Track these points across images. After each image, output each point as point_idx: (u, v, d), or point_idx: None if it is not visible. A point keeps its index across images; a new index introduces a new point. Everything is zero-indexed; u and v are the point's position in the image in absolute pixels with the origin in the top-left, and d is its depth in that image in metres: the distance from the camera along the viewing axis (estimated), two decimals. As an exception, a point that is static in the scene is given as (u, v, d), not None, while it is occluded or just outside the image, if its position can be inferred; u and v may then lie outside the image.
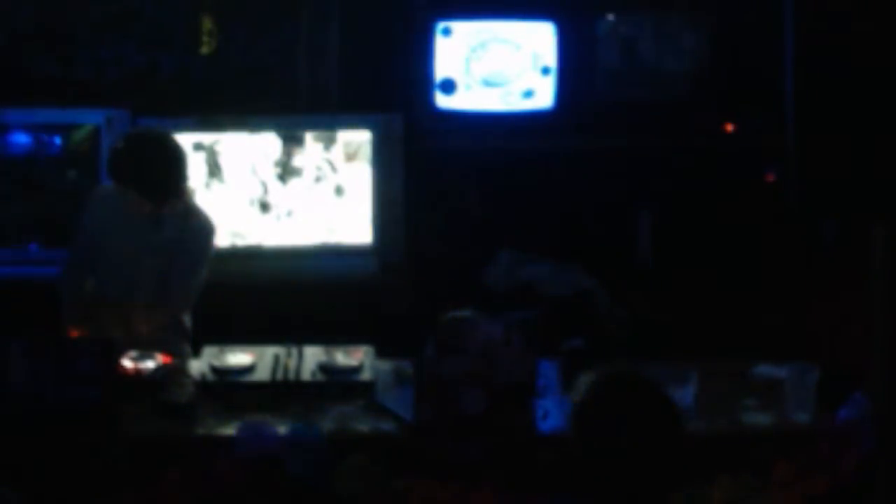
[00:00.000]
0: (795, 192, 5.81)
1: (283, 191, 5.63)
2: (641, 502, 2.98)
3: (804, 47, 5.75)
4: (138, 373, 4.26)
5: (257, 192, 5.62)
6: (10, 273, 5.50)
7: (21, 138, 5.57)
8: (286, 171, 5.62)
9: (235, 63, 5.90)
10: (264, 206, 5.63)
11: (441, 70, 5.77)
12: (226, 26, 5.88)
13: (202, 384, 4.19)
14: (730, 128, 5.89)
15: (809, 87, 5.75)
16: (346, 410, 4.09)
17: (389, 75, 5.80)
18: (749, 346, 4.84)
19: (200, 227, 4.70)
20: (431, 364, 3.86)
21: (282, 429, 3.89)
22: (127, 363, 4.27)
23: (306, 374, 4.25)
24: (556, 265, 5.75)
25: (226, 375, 4.25)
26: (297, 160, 5.62)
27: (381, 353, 4.40)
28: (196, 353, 4.56)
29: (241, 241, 5.61)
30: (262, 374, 4.24)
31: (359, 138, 5.63)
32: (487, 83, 5.80)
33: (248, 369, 4.27)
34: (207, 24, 5.86)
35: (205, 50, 5.88)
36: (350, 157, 5.63)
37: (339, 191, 5.64)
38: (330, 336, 4.47)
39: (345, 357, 4.34)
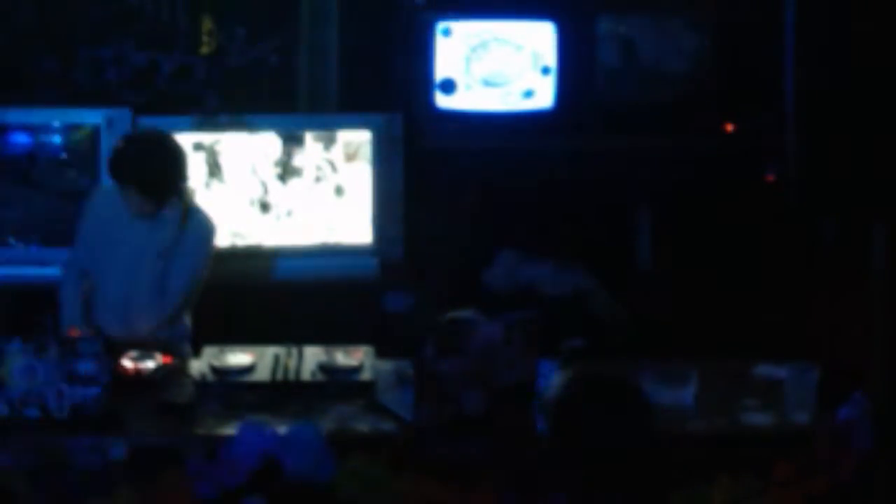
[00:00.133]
0: (795, 192, 5.80)
1: (283, 191, 5.63)
2: (618, 500, 2.98)
3: (804, 47, 5.74)
4: (138, 373, 4.26)
5: (257, 192, 5.62)
6: (10, 273, 5.50)
7: (21, 138, 5.57)
8: (286, 171, 5.62)
9: (235, 63, 5.90)
10: (264, 206, 5.63)
11: (441, 70, 5.77)
12: (226, 26, 5.88)
13: (202, 384, 4.19)
14: (730, 128, 5.88)
15: (809, 87, 5.74)
16: (346, 410, 4.09)
17: (389, 75, 5.81)
18: (749, 346, 4.84)
19: (200, 227, 4.70)
20: (431, 364, 3.86)
21: (282, 429, 3.90)
22: (127, 363, 4.27)
23: (306, 374, 4.25)
24: (556, 265, 5.75)
25: (226, 375, 4.25)
26: (297, 160, 5.62)
27: (381, 353, 4.40)
28: (196, 353, 4.56)
29: (241, 241, 5.61)
30: (262, 374, 4.24)
31: (359, 138, 5.63)
32: (487, 83, 5.79)
33: (248, 369, 4.27)
34: (207, 24, 5.86)
35: (205, 50, 5.88)
36: (350, 157, 5.63)
37: (339, 191, 5.64)
38: (330, 336, 4.47)
39: (345, 357, 4.34)
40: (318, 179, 5.63)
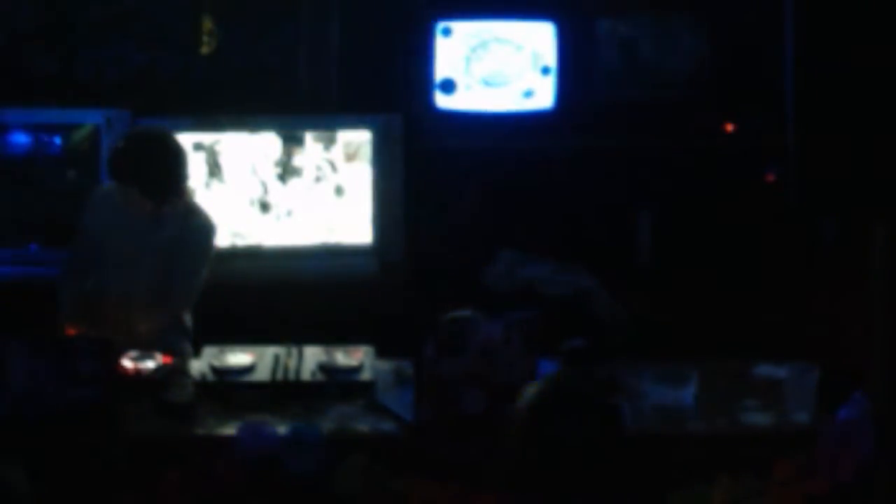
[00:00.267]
0: (795, 192, 5.81)
1: (283, 191, 5.63)
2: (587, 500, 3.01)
3: (804, 47, 5.75)
4: (138, 373, 4.26)
5: (257, 192, 5.62)
6: (10, 273, 5.50)
7: (21, 138, 5.57)
8: (286, 171, 5.62)
9: (235, 63, 5.90)
10: (264, 206, 5.63)
11: (441, 70, 5.78)
12: (226, 26, 5.88)
13: (202, 384, 4.19)
14: (730, 128, 5.89)
15: (809, 87, 5.75)
16: (346, 410, 4.09)
17: (389, 75, 5.81)
18: (749, 346, 4.85)
19: (201, 227, 4.70)
20: (431, 364, 3.86)
21: (282, 429, 3.90)
22: (127, 363, 4.27)
23: (306, 374, 4.25)
24: (557, 265, 5.75)
25: (226, 375, 4.25)
26: (297, 160, 5.62)
27: (381, 353, 4.40)
28: (196, 353, 4.56)
29: (241, 241, 5.61)
30: (262, 374, 4.24)
31: (359, 138, 5.63)
32: (487, 83, 5.80)
33: (248, 369, 4.27)
34: (207, 24, 5.86)
35: (205, 50, 5.88)
36: (350, 157, 5.64)
37: (339, 191, 5.64)
38: (330, 336, 4.47)
39: (345, 357, 4.34)
40: (318, 179, 5.63)
